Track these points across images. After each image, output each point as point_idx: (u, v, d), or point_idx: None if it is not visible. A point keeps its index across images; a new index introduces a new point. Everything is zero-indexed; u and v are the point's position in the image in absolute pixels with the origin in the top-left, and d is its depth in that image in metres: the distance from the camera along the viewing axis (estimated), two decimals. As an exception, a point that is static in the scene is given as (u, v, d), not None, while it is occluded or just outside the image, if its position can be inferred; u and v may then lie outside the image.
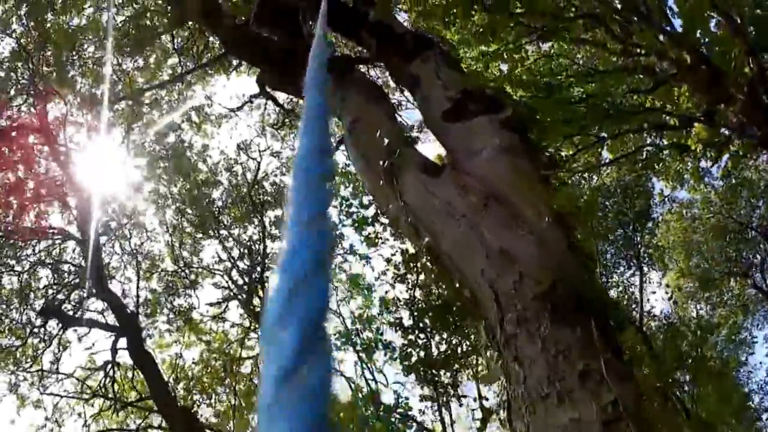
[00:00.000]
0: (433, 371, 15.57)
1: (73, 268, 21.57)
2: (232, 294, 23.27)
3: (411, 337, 15.04)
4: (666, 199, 24.60)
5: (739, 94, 13.81)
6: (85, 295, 20.79)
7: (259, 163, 22.13)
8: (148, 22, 17.21)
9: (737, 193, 24.98)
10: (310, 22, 8.21)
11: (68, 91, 18.68)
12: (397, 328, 15.05)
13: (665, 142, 17.73)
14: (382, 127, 7.40)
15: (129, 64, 18.79)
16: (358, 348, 16.14)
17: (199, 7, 10.18)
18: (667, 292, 24.67)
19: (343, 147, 10.72)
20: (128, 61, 18.60)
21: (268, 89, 14.79)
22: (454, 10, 11.61)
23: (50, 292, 21.29)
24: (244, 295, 22.57)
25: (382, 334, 15.79)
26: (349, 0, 9.05)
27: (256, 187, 22.10)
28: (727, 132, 15.48)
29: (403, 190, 6.61)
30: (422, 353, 14.76)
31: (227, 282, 23.43)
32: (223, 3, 10.21)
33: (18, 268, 20.75)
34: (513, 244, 5.41)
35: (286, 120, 19.28)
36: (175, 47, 18.48)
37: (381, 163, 6.88)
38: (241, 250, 23.20)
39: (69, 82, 18.27)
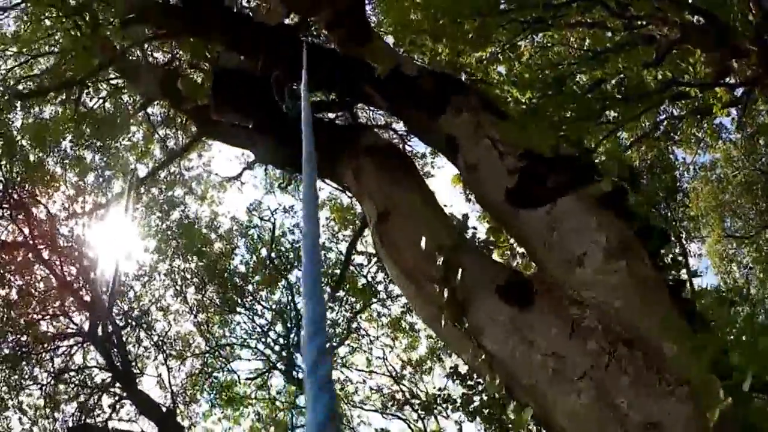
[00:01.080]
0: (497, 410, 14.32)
1: (97, 371, 20.16)
2: (271, 364, 21.99)
3: (470, 383, 13.76)
4: (690, 166, 23.49)
5: (751, 47, 13.15)
6: (116, 399, 19.35)
7: (273, 223, 20.90)
8: (125, 98, 16.02)
9: (755, 141, 23.78)
10: (292, 87, 6.87)
11: (53, 187, 17.73)
12: (454, 377, 13.80)
13: (681, 112, 16.98)
14: (422, 224, 5.70)
15: (115, 145, 17.53)
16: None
17: (159, 90, 8.91)
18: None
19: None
20: (113, 143, 17.27)
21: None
22: (441, 21, 10.33)
23: (79, 399, 19.77)
24: (284, 362, 21.20)
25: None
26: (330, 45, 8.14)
27: (275, 247, 20.79)
28: (744, 87, 15.32)
29: (480, 332, 4.74)
30: (484, 396, 13.47)
31: (264, 350, 22.25)
32: (183, 87, 8.77)
33: (41, 380, 19.44)
34: (661, 412, 3.67)
35: (293, 178, 18.09)
36: (160, 120, 17.20)
37: (436, 288, 5.02)
38: (273, 315, 21.77)
39: (52, 179, 17.30)
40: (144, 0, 7.98)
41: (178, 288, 21.89)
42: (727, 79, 15.00)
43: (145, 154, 18.25)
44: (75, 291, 19.35)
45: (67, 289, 19.01)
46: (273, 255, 20.75)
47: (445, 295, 4.85)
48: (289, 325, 21.57)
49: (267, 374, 22.62)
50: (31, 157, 16.34)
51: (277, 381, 22.52)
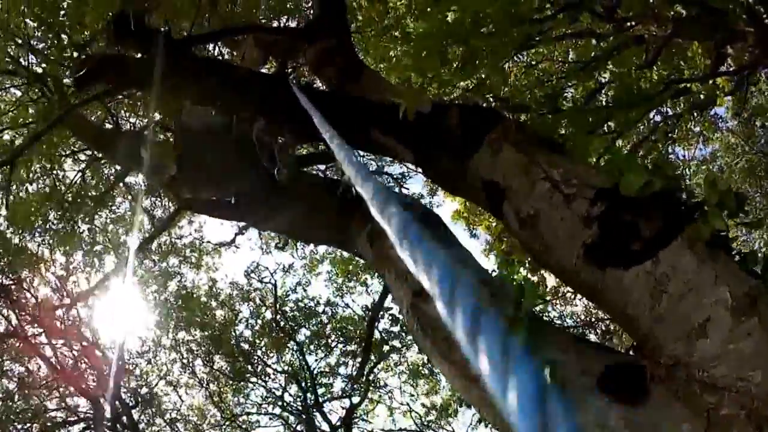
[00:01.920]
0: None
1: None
2: (291, 428, 20.95)
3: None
4: (690, 162, 22.78)
5: (747, 29, 12.37)
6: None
7: (274, 284, 19.86)
8: (105, 170, 14.85)
9: (752, 125, 23.12)
10: (282, 145, 5.91)
11: (40, 271, 16.61)
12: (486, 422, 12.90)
13: (678, 110, 16.29)
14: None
15: (102, 219, 16.46)
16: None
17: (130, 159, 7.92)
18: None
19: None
20: (99, 217, 16.11)
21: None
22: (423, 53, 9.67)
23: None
24: (304, 424, 20.13)
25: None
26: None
27: (279, 309, 19.77)
28: (744, 72, 14.05)
29: None
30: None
31: (282, 413, 21.12)
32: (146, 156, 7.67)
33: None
34: None
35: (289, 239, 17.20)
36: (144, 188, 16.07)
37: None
38: (286, 377, 20.73)
39: (38, 261, 15.96)
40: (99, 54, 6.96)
41: (184, 361, 20.99)
42: (724, 68, 14.19)
43: (133, 225, 17.03)
44: (77, 375, 18.32)
45: (67, 375, 18.02)
46: (278, 317, 19.73)
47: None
48: (303, 386, 20.44)
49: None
50: (14, 240, 15.11)
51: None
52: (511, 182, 4.58)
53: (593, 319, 17.78)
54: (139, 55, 7.02)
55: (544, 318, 4.74)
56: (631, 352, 3.95)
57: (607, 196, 3.86)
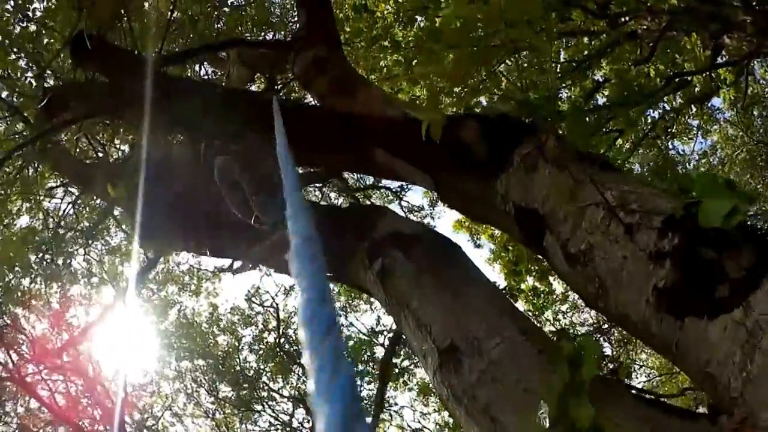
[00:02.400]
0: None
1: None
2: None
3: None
4: (690, 157, 22.31)
5: (745, 17, 12.01)
6: None
7: (276, 307, 19.20)
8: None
9: (750, 114, 22.02)
10: (265, 197, 4.76)
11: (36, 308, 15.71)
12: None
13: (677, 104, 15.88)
14: (517, 362, 3.46)
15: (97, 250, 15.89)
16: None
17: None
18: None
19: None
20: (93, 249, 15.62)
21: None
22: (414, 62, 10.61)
23: None
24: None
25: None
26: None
27: (283, 332, 19.13)
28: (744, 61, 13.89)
29: None
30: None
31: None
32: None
33: None
34: None
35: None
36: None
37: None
38: (293, 402, 20.07)
39: (32, 298, 15.06)
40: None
41: (189, 391, 20.44)
42: (720, 59, 13.83)
43: (127, 256, 16.37)
44: (79, 413, 17.56)
45: (68, 414, 17.19)
46: (282, 340, 19.07)
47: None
48: (311, 409, 19.58)
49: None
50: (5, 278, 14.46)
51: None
52: (554, 209, 3.72)
53: (607, 326, 17.21)
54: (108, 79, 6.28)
55: (607, 377, 3.67)
56: (711, 417, 3.17)
57: (678, 225, 3.09)
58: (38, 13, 8.95)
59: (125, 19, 6.43)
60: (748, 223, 2.94)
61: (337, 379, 0.94)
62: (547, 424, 2.77)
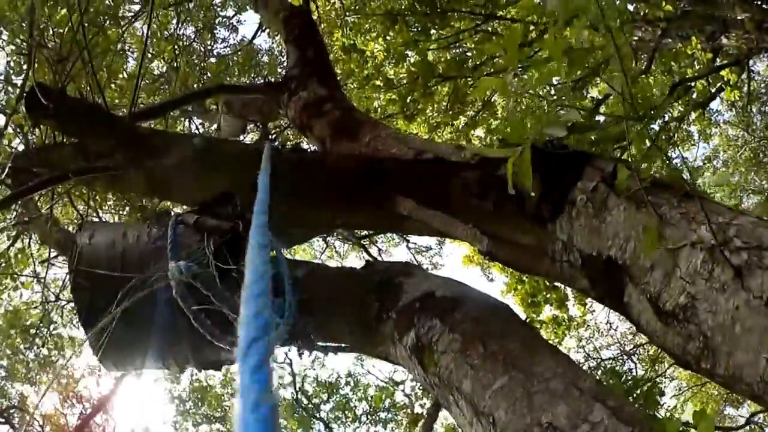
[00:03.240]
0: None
1: None
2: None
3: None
4: (694, 163, 22.07)
5: (743, 15, 11.72)
6: None
7: (290, 363, 18.55)
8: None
9: (749, 111, 21.65)
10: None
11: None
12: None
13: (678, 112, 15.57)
14: None
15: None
16: None
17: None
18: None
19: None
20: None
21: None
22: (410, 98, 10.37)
23: None
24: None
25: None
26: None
27: (300, 388, 18.54)
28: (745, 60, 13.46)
29: None
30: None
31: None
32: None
33: None
34: None
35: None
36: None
37: None
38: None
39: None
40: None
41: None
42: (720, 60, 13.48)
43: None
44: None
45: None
46: (299, 396, 18.47)
47: None
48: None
49: None
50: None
51: None
52: (636, 256, 2.85)
53: (633, 346, 16.49)
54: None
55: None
56: None
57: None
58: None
59: (92, 73, 5.64)
60: None
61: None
62: None
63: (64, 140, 5.66)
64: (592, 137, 3.31)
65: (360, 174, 4.20)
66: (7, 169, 5.57)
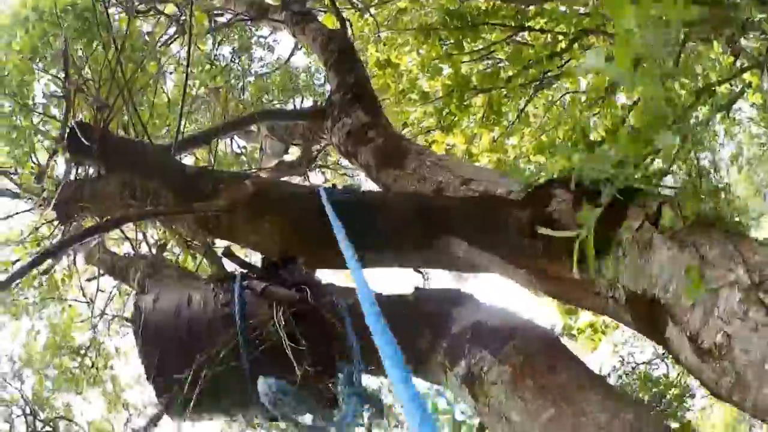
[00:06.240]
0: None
1: None
2: None
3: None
4: (721, 163, 21.66)
5: (756, 14, 11.49)
6: None
7: None
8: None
9: None
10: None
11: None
12: None
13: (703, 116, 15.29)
14: None
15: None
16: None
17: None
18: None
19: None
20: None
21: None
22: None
23: None
24: None
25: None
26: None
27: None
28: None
29: None
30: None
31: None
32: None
33: None
34: None
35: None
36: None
37: None
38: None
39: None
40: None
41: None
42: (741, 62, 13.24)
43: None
44: None
45: None
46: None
47: None
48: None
49: None
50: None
51: None
52: (677, 296, 2.89)
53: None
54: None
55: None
56: None
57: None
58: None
59: (131, 103, 5.70)
60: None
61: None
62: None
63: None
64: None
65: (416, 218, 4.26)
66: (53, 203, 5.67)
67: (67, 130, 5.44)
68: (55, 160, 7.85)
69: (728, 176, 22.29)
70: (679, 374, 15.49)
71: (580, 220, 2.79)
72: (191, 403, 3.79)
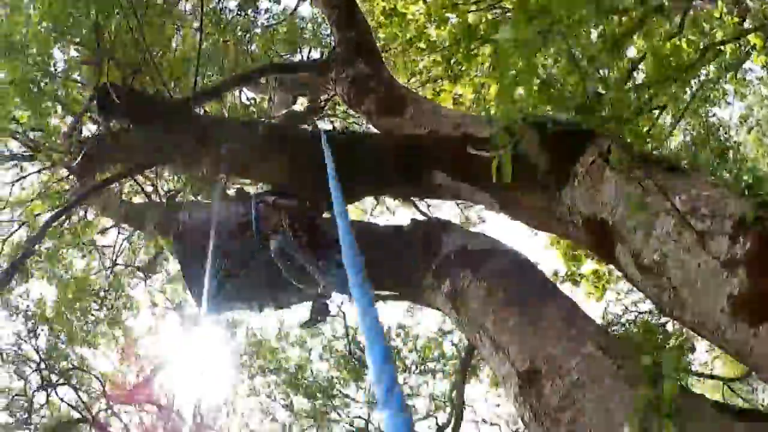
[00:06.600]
0: None
1: None
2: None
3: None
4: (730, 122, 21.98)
5: None
6: None
7: (344, 314, 19.10)
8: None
9: None
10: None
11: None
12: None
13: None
14: (600, 386, 3.35)
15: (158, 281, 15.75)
16: None
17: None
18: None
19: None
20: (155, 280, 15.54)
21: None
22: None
23: None
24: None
25: None
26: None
27: (352, 339, 19.06)
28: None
29: None
30: None
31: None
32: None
33: None
34: None
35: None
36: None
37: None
38: (369, 406, 19.94)
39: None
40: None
41: (263, 408, 20.21)
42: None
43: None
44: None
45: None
46: (351, 346, 18.86)
47: None
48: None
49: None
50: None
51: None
52: (623, 219, 3.56)
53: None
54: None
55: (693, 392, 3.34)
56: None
57: (750, 229, 2.95)
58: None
59: (151, 61, 6.30)
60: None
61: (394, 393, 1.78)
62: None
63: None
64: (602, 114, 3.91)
65: (405, 155, 4.98)
66: (81, 156, 6.26)
67: (97, 91, 6.00)
68: (77, 121, 8.31)
69: (738, 136, 22.59)
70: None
71: (494, 142, 3.35)
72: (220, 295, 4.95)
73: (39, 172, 10.72)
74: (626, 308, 15.65)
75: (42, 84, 8.35)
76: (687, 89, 15.05)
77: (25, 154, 10.01)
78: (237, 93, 11.31)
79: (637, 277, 3.51)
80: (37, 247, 9.90)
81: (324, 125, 10.59)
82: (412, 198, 11.60)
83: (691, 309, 3.20)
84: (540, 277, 4.35)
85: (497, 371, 3.88)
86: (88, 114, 8.03)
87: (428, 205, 14.21)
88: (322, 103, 9.82)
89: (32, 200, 10.76)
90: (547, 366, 3.51)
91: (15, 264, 8.19)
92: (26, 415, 15.22)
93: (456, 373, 16.11)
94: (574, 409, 3.31)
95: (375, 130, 6.33)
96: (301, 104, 10.21)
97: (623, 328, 13.26)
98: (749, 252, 2.88)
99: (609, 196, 3.64)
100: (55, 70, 8.68)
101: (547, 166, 3.72)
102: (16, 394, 15.37)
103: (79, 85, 8.98)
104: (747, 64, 17.92)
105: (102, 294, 13.61)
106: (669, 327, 13.77)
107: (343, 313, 18.41)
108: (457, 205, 14.84)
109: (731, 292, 2.92)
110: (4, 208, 11.21)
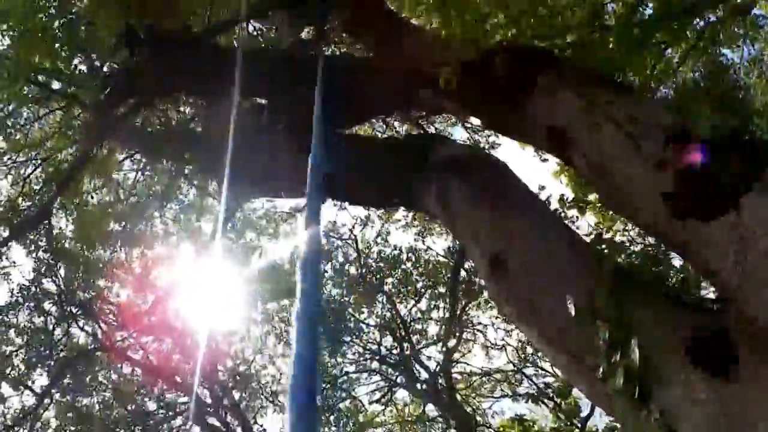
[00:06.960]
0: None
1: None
2: (391, 381, 21.02)
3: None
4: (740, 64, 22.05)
5: None
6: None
7: (355, 238, 19.59)
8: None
9: None
10: None
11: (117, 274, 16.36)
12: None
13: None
14: (556, 270, 4.11)
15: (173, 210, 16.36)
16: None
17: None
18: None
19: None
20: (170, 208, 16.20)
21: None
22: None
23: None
24: (405, 375, 20.15)
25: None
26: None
27: (363, 263, 19.57)
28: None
29: (674, 419, 3.15)
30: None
31: (381, 368, 21.11)
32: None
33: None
34: None
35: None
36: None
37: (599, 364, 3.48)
38: (380, 330, 20.58)
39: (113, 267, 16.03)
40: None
41: (278, 332, 20.89)
42: None
43: (203, 209, 16.80)
44: (171, 370, 18.59)
45: (161, 373, 18.28)
46: (363, 271, 19.39)
47: (617, 375, 3.33)
48: (398, 336, 20.14)
49: (390, 392, 21.29)
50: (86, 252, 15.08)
51: (402, 394, 21.25)
52: (575, 127, 4.30)
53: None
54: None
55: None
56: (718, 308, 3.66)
57: (679, 137, 3.66)
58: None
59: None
60: (740, 134, 3.53)
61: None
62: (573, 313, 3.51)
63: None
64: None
65: (398, 82, 5.82)
66: (109, 90, 7.01)
67: (126, 28, 6.78)
68: (102, 60, 8.90)
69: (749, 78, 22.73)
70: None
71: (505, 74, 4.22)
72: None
73: (52, 112, 11.33)
74: (632, 239, 16.17)
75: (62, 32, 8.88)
76: (691, 28, 15.39)
77: (41, 96, 10.61)
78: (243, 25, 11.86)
79: (591, 177, 4.33)
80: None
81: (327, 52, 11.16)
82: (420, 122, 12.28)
83: (633, 205, 3.95)
84: (517, 181, 5.11)
85: (474, 261, 4.71)
86: (113, 52, 8.64)
87: (437, 130, 14.72)
88: (329, 32, 10.34)
89: (54, 135, 11.32)
90: (513, 255, 4.30)
91: (47, 207, 8.84)
92: (47, 351, 16.14)
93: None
94: (540, 294, 4.06)
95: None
96: (307, 32, 10.71)
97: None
98: (677, 156, 3.60)
99: (562, 108, 4.47)
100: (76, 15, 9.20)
101: (513, 83, 4.74)
102: (37, 328, 16.05)
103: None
104: (759, 10, 18.11)
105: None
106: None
107: (354, 236, 19.08)
108: (466, 129, 15.37)
109: (663, 191, 3.62)
110: (22, 149, 11.85)
